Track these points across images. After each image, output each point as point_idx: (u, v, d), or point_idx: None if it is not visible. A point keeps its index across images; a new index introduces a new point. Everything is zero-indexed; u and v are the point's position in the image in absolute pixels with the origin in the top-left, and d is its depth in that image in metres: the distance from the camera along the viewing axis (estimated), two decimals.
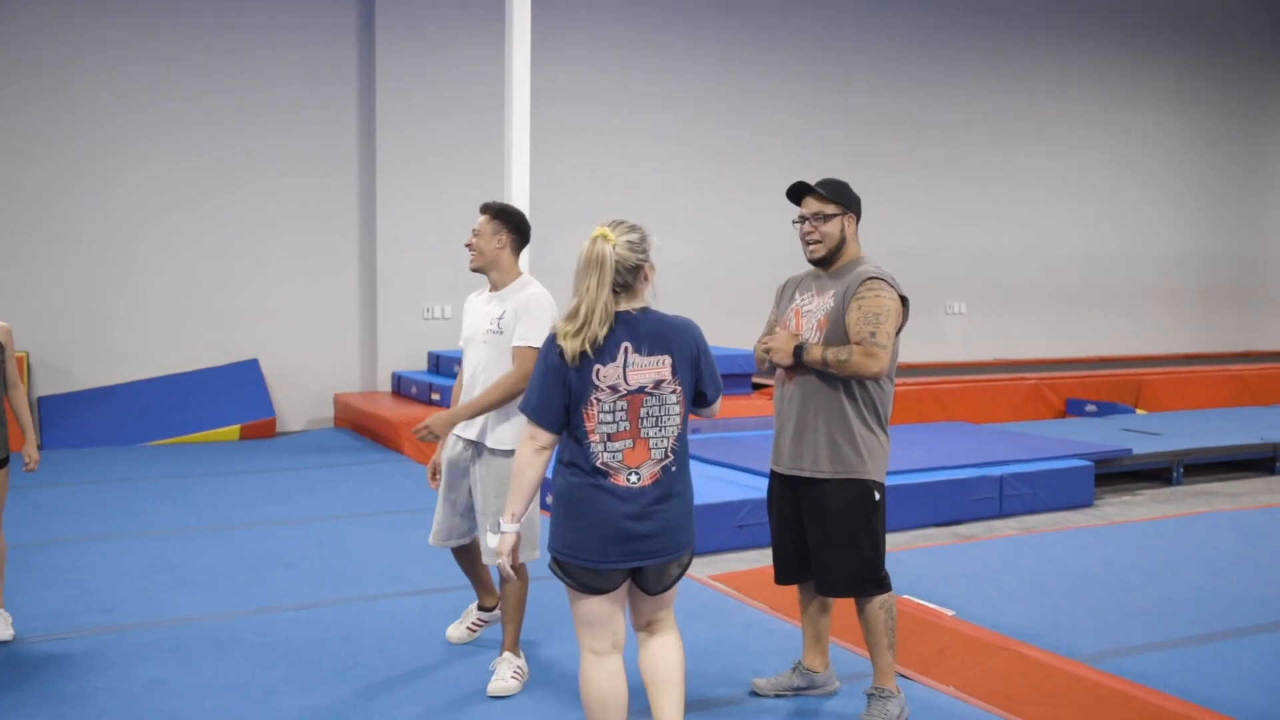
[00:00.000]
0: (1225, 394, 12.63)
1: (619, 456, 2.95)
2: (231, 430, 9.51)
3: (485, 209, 4.16)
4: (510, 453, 3.86)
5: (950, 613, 4.69)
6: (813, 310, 3.71)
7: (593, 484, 2.94)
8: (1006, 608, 4.77)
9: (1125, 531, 6.43)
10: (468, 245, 4.12)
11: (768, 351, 3.73)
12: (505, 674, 3.95)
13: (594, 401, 2.94)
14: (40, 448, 7.81)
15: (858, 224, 3.76)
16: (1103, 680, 3.94)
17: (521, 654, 4.07)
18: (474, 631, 4.43)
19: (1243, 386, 12.80)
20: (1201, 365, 13.68)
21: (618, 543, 2.93)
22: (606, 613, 3.01)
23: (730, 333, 10.24)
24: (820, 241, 3.69)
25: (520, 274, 4.14)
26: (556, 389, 2.95)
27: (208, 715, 3.72)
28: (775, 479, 3.86)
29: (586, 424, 2.94)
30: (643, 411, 2.96)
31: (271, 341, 10.20)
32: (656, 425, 2.98)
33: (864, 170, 12.59)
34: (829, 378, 3.61)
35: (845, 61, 12.55)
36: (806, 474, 3.67)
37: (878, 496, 3.66)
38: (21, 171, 9.38)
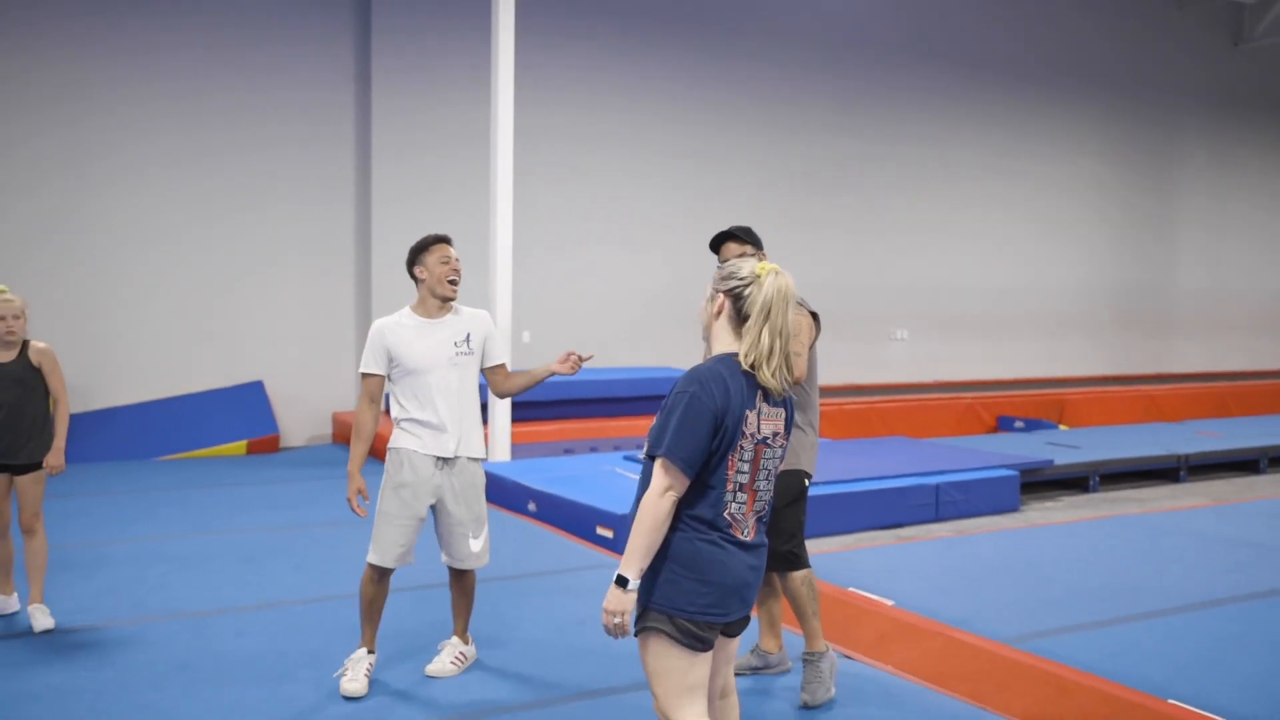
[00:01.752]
0: (1138, 411, 12.94)
1: (742, 508, 2.59)
2: (238, 445, 9.56)
3: (450, 241, 4.00)
4: (480, 460, 3.96)
5: (890, 603, 4.81)
6: None
7: (719, 538, 2.55)
8: (940, 598, 4.89)
9: (1046, 532, 6.55)
10: (458, 275, 3.94)
11: None
12: (446, 658, 4.02)
13: (740, 449, 2.56)
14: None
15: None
16: (1022, 659, 4.10)
17: (470, 640, 4.15)
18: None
19: (1153, 405, 13.13)
20: (1117, 386, 13.99)
21: (739, 594, 2.58)
22: (708, 672, 2.63)
23: (698, 356, 10.40)
24: None
25: None
26: (708, 434, 2.50)
27: (232, 691, 3.84)
28: None
29: (729, 471, 2.55)
30: (762, 463, 2.61)
31: (275, 364, 10.26)
32: (767, 479, 2.64)
33: (816, 210, 12.86)
34: None
35: (797, 113, 12.77)
36: None
37: (805, 483, 3.90)
38: (51, 211, 9.43)
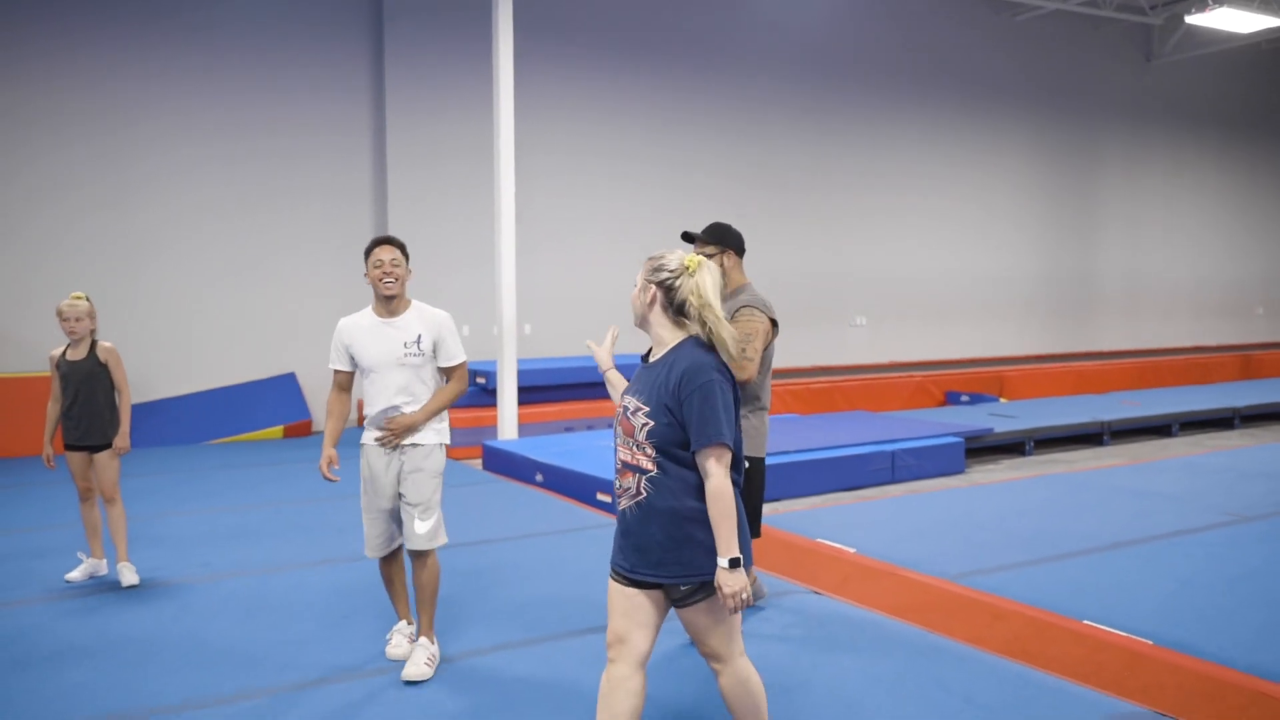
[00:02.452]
0: (1068, 385, 13.17)
1: None
2: (276, 430, 9.70)
3: (392, 242, 3.70)
4: (432, 447, 3.66)
5: (852, 550, 5.01)
6: None
7: (739, 495, 2.55)
8: (895, 545, 5.08)
9: (987, 490, 6.69)
10: (392, 276, 3.65)
11: None
12: (420, 660, 3.57)
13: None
14: None
15: (740, 257, 3.99)
16: (964, 592, 4.33)
17: (435, 641, 3.70)
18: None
19: (1081, 379, 13.38)
20: (1050, 363, 14.24)
21: None
22: None
23: None
24: None
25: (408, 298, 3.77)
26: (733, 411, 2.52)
27: (296, 635, 4.04)
28: None
29: (739, 435, 2.58)
30: None
31: (306, 358, 10.37)
32: None
33: (785, 210, 13.07)
34: None
35: (765, 122, 12.93)
36: None
37: (747, 465, 3.97)
38: (111, 227, 9.57)
